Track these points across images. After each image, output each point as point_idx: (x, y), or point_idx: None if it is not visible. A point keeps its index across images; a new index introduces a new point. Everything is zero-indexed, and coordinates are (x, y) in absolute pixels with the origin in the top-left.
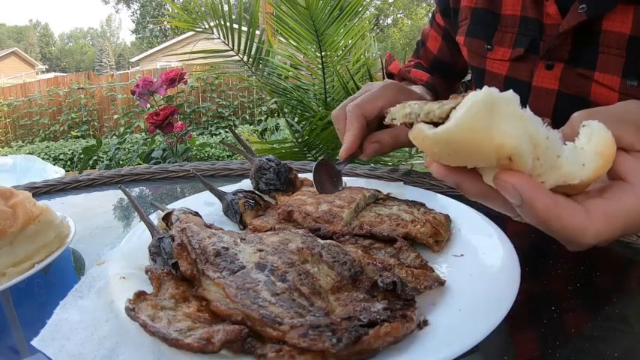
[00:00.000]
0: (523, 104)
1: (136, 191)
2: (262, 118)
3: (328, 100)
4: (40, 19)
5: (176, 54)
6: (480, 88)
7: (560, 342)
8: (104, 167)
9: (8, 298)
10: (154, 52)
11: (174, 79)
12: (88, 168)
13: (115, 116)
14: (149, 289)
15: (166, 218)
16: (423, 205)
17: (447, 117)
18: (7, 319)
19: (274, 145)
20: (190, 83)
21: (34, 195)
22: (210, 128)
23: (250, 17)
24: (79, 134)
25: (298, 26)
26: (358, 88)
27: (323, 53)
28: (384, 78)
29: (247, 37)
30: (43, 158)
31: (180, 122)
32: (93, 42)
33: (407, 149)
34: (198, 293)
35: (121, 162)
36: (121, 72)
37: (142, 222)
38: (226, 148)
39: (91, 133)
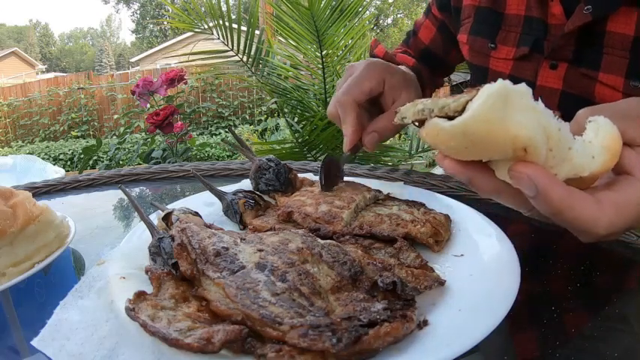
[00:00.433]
0: None
1: (136, 191)
2: (262, 118)
3: (328, 100)
4: (40, 19)
5: (176, 55)
6: None
7: (560, 342)
8: (104, 167)
9: (8, 298)
10: (154, 52)
11: (174, 79)
12: (88, 168)
13: (115, 116)
14: (149, 289)
15: (166, 218)
16: (423, 205)
17: (463, 110)
18: (7, 319)
19: (274, 146)
20: (190, 83)
21: (34, 195)
22: (210, 128)
23: (250, 17)
24: (79, 134)
25: (298, 26)
26: None
27: (323, 53)
28: None
29: (247, 37)
30: (43, 158)
31: (180, 122)
32: (93, 42)
33: (407, 149)
34: (198, 293)
35: (121, 162)
36: (121, 72)
37: (142, 222)
38: (226, 148)
39: (91, 133)
